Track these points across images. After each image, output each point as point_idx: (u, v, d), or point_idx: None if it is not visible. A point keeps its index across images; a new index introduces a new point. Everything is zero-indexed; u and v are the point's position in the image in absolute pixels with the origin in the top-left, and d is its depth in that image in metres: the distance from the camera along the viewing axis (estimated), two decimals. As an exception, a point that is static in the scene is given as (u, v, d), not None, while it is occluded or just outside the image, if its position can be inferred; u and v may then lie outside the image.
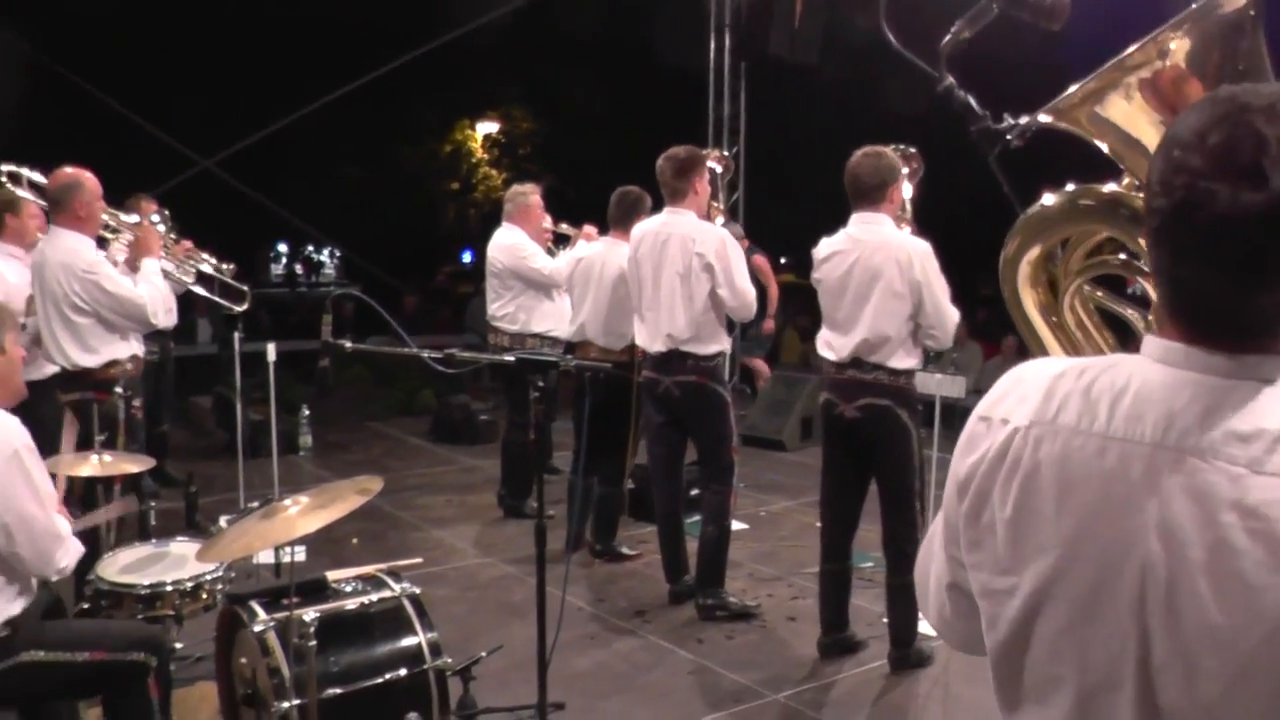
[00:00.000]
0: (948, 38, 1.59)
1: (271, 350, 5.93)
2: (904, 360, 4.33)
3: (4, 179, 5.04)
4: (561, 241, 6.84)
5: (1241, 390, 1.09)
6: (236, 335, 6.09)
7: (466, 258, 25.85)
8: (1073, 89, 1.45)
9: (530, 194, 6.86)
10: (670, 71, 13.33)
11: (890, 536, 4.48)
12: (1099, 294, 1.62)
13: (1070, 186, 1.53)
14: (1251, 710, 1.04)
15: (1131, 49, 1.40)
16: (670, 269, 4.97)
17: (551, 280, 6.51)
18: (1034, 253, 1.58)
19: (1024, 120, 1.56)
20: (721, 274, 4.90)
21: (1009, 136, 1.58)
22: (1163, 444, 1.10)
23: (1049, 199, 1.54)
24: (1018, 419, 1.21)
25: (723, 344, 5.08)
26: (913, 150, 5.08)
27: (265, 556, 5.17)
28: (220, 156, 9.83)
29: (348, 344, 3.10)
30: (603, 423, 5.78)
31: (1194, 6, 1.37)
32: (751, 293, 5.05)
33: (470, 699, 3.80)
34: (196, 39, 16.23)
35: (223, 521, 3.65)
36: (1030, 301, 1.61)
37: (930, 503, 4.53)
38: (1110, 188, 1.50)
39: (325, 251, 35.06)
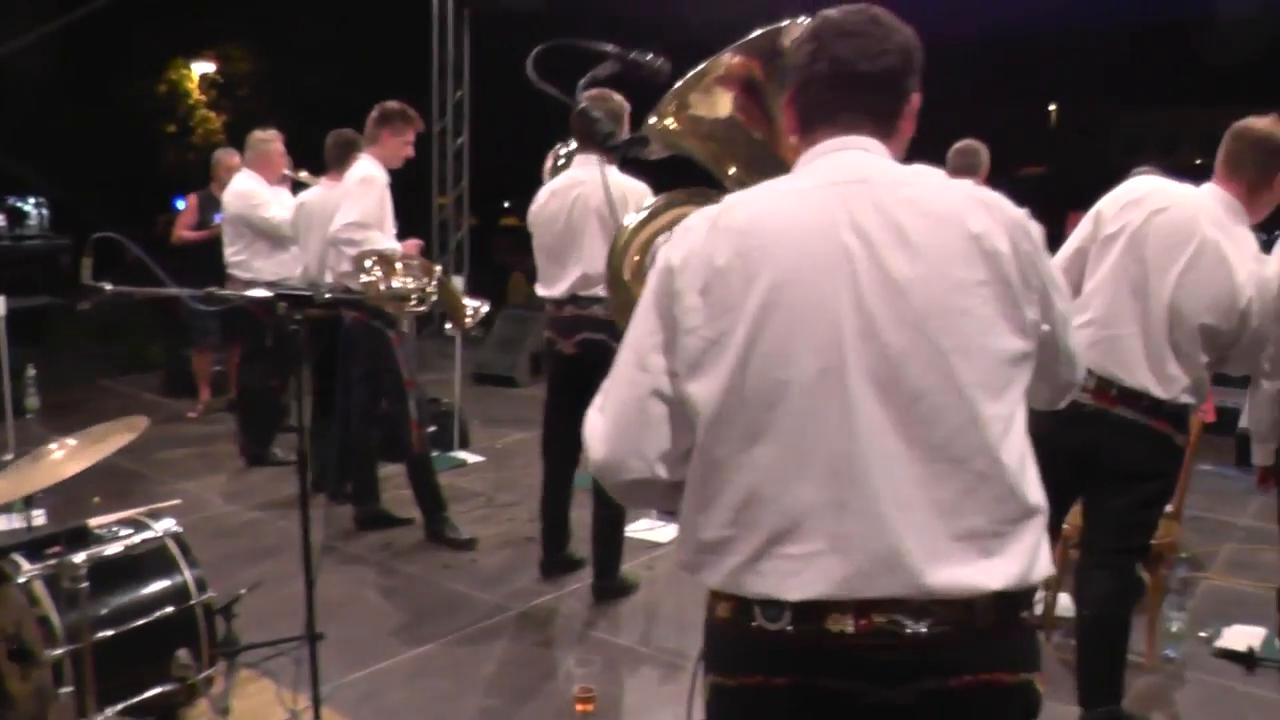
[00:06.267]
0: (583, 80, 2.21)
1: (2, 304, 5.72)
2: None
3: None
4: (301, 189, 6.80)
5: None
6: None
7: (181, 205, 24.48)
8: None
9: (271, 141, 6.86)
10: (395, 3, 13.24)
11: None
12: None
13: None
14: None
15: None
16: None
17: (276, 229, 6.61)
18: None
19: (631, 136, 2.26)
20: None
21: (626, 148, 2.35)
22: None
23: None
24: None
25: None
26: None
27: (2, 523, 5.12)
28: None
29: (107, 286, 3.10)
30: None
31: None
32: None
33: (234, 635, 3.97)
34: None
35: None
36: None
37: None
38: None
39: (30, 201, 32.44)
